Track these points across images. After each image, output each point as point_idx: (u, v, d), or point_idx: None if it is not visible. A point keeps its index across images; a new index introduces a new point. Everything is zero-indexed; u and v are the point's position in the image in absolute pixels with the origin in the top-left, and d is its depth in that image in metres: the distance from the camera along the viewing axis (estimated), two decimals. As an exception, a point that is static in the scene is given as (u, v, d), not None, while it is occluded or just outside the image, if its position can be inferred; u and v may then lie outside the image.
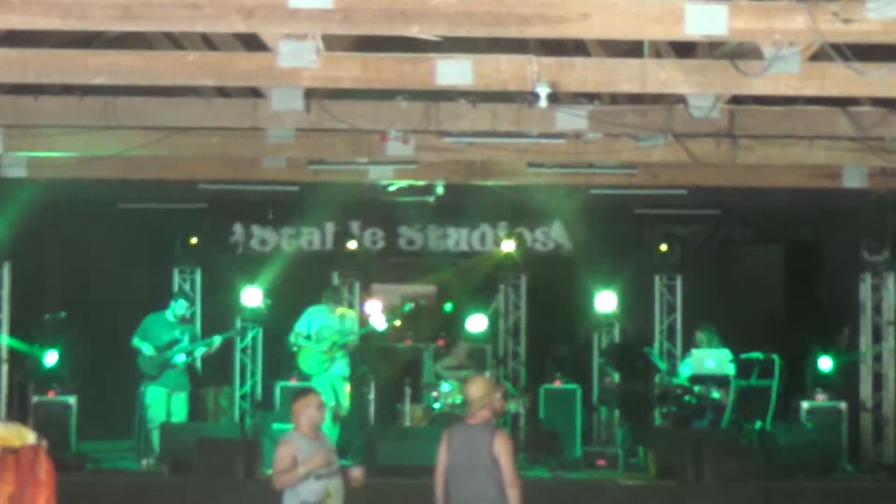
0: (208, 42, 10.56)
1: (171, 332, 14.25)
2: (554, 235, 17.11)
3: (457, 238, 17.14)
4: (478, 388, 8.55)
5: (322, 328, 14.41)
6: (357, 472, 8.50)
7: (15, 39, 9.56)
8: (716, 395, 14.49)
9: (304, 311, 14.63)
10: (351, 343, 14.58)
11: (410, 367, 16.09)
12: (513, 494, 8.27)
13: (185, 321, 14.60)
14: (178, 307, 14.47)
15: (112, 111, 11.38)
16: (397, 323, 15.99)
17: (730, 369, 14.52)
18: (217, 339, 14.66)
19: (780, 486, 12.91)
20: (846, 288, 15.95)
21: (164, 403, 14.07)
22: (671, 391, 14.73)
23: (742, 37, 8.58)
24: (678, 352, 16.30)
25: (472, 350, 16.08)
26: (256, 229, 17.03)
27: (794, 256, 16.95)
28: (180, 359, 14.24)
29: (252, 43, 9.65)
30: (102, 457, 14.35)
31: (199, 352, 14.62)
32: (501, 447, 8.29)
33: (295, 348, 14.59)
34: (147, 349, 14.10)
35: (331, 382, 14.28)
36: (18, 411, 14.48)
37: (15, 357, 15.06)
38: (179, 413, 14.23)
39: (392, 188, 14.77)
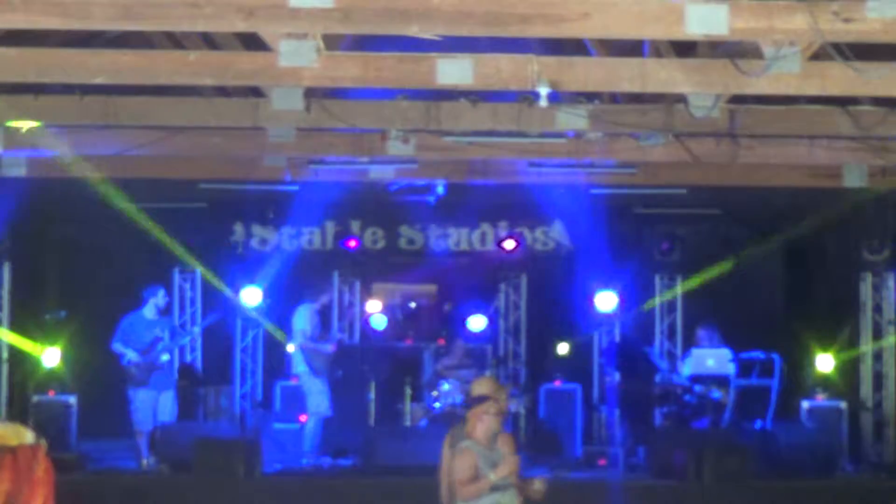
0: (209, 41, 10.56)
1: (151, 332, 14.12)
2: (554, 235, 17.11)
3: (457, 237, 17.13)
4: (483, 388, 8.53)
5: (314, 327, 14.38)
6: (538, 485, 8.01)
7: (15, 39, 9.55)
8: (716, 394, 14.50)
9: (298, 311, 14.51)
10: None
11: (410, 366, 16.09)
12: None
13: (163, 314, 14.50)
14: (161, 298, 14.36)
15: (112, 111, 11.38)
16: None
17: (730, 369, 14.54)
18: (196, 329, 14.60)
19: (781, 485, 12.91)
20: (846, 287, 15.95)
21: (152, 406, 13.96)
22: (671, 391, 14.75)
23: (742, 36, 8.57)
24: (678, 351, 16.30)
25: (470, 349, 16.08)
26: (257, 229, 17.02)
27: (795, 255, 16.94)
28: (165, 358, 14.16)
29: (252, 42, 9.65)
30: (102, 456, 14.38)
31: (182, 343, 14.57)
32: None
33: (302, 349, 14.43)
34: (132, 355, 13.94)
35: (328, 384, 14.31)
36: (18, 411, 14.48)
37: (15, 356, 15.06)
38: (169, 412, 14.12)
39: (394, 189, 14.79)
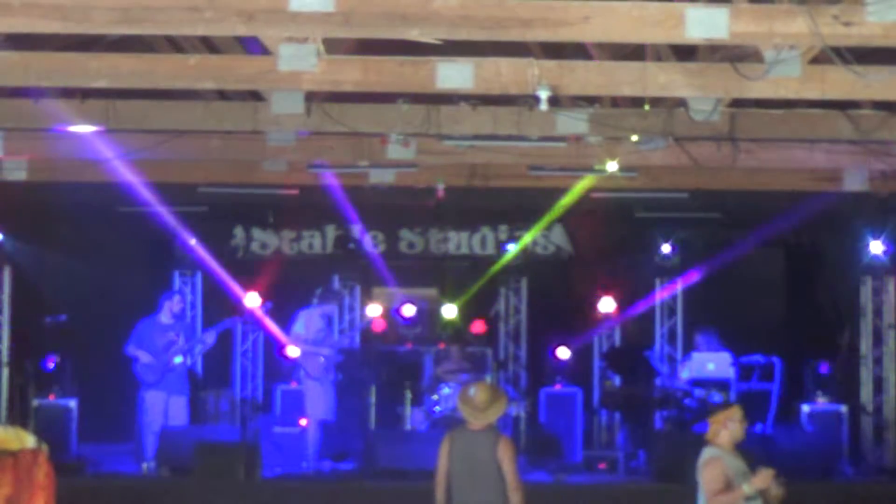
0: (209, 45, 10.56)
1: (165, 336, 14.10)
2: (554, 238, 17.10)
3: (457, 241, 17.12)
4: (483, 393, 8.52)
5: (317, 332, 14.36)
6: (778, 490, 7.97)
7: (16, 42, 9.57)
8: (716, 398, 14.47)
9: (299, 315, 14.48)
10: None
11: (411, 370, 16.07)
12: (516, 499, 8.26)
13: (178, 320, 14.49)
14: (175, 302, 14.38)
15: (113, 114, 11.39)
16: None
17: (730, 372, 14.52)
18: (211, 335, 14.58)
19: (781, 489, 12.88)
20: (847, 291, 15.95)
21: (162, 408, 13.93)
22: (672, 394, 14.73)
23: (742, 40, 8.59)
24: (679, 355, 16.29)
25: (467, 352, 16.06)
26: (257, 232, 17.01)
27: (795, 260, 16.94)
28: (178, 360, 14.13)
29: (253, 46, 9.65)
30: (103, 460, 14.36)
31: (196, 349, 14.53)
32: (505, 452, 8.28)
33: (296, 352, 14.43)
34: (145, 357, 13.93)
35: (326, 388, 14.28)
36: (19, 414, 14.47)
37: (16, 360, 15.05)
38: (179, 417, 14.10)
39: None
